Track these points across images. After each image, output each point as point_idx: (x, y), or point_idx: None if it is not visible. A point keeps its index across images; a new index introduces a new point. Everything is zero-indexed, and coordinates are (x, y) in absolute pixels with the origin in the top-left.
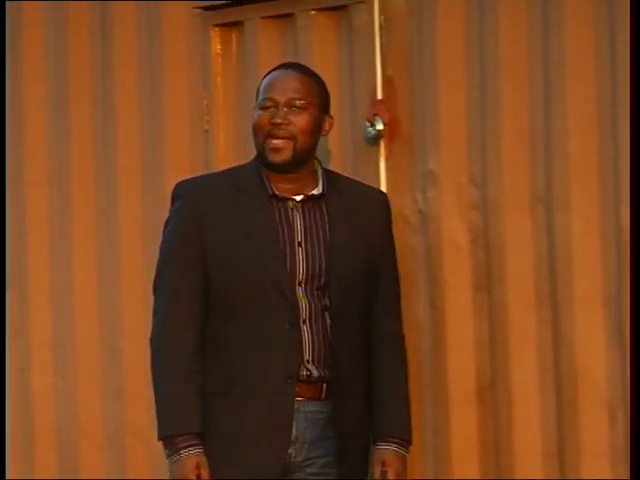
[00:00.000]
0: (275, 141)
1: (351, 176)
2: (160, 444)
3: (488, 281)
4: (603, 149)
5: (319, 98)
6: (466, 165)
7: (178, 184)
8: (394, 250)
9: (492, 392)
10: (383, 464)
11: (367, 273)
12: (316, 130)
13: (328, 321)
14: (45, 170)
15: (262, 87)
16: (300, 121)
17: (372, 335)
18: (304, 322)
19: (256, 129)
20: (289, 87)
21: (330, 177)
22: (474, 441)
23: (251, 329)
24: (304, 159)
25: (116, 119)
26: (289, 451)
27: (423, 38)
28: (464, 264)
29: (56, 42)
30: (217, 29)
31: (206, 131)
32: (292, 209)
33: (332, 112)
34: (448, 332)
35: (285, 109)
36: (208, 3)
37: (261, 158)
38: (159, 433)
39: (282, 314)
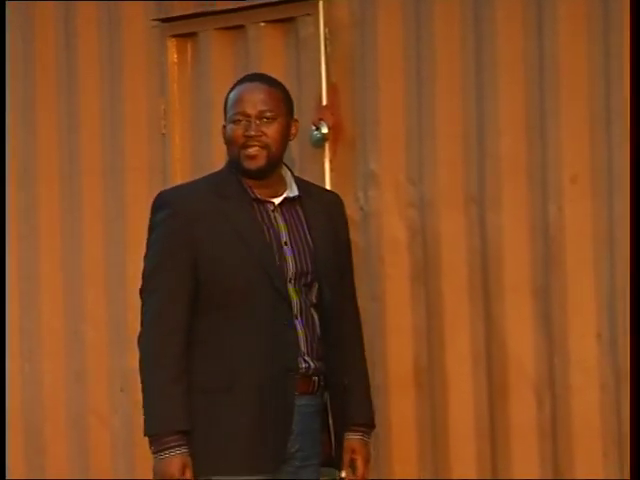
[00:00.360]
0: (250, 150)
1: (299, 176)
2: (120, 423)
3: (425, 274)
4: (532, 150)
5: (286, 106)
6: (404, 166)
7: (161, 194)
8: (350, 247)
9: (428, 376)
10: (353, 452)
11: (339, 268)
12: (286, 136)
13: (316, 316)
14: (14, 170)
15: (231, 101)
16: (272, 131)
17: (346, 317)
18: (296, 317)
19: (231, 141)
20: (258, 100)
21: (297, 180)
22: (411, 421)
23: (249, 326)
24: (276, 165)
25: (80, 123)
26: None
27: (364, 48)
28: (403, 258)
29: (24, 48)
30: (173, 40)
31: (163, 134)
32: (273, 211)
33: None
34: (388, 321)
35: (257, 121)
36: (165, 16)
37: (237, 166)
38: (147, 430)
39: (278, 311)
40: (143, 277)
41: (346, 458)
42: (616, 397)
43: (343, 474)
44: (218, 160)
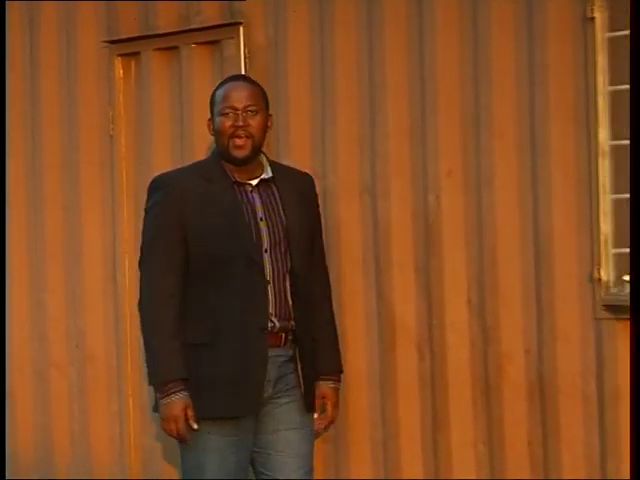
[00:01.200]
0: (238, 141)
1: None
2: (75, 374)
3: (328, 251)
4: (414, 150)
5: (264, 102)
6: (310, 163)
7: (156, 178)
8: (320, 219)
9: None
10: (324, 397)
11: (309, 239)
12: (265, 127)
13: (288, 281)
14: None
15: (219, 98)
16: (255, 122)
17: (313, 285)
18: (268, 283)
19: (220, 132)
20: (243, 96)
21: (272, 163)
22: None
23: (228, 291)
24: (258, 152)
25: (42, 125)
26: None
27: (277, 66)
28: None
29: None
30: (120, 58)
31: (111, 136)
32: (251, 192)
33: (204, 123)
34: None
35: (243, 114)
36: (113, 38)
37: (225, 154)
38: (151, 379)
39: (253, 278)
40: (141, 250)
41: (318, 402)
42: (483, 352)
43: (315, 416)
44: (156, 157)
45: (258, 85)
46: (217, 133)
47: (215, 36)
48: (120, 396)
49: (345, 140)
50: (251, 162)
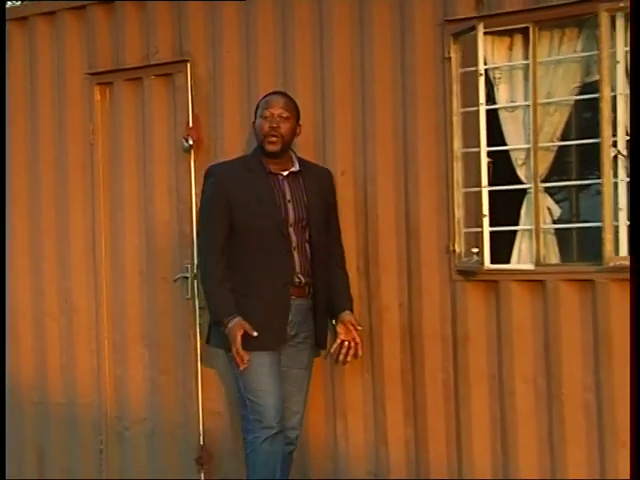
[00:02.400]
0: (271, 138)
1: (174, 171)
2: (65, 322)
3: None
4: (317, 153)
5: (296, 113)
6: None
7: (210, 167)
8: (337, 204)
9: None
10: (345, 321)
11: (326, 218)
12: (294, 132)
13: (308, 248)
14: None
15: (262, 105)
16: (286, 126)
17: (330, 253)
18: (294, 249)
19: (259, 130)
20: (279, 105)
21: (300, 159)
22: None
23: (262, 255)
24: (286, 149)
25: (40, 136)
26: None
27: (215, 92)
28: None
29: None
30: (98, 86)
31: (91, 144)
32: (282, 180)
33: (163, 134)
34: None
35: (277, 119)
36: (94, 71)
37: (261, 148)
38: (212, 317)
39: (281, 245)
40: (198, 222)
41: (341, 326)
42: (368, 305)
43: (338, 341)
44: (125, 161)
45: (292, 99)
46: (257, 131)
47: (169, 70)
48: (97, 338)
49: (236, 136)
50: (281, 156)
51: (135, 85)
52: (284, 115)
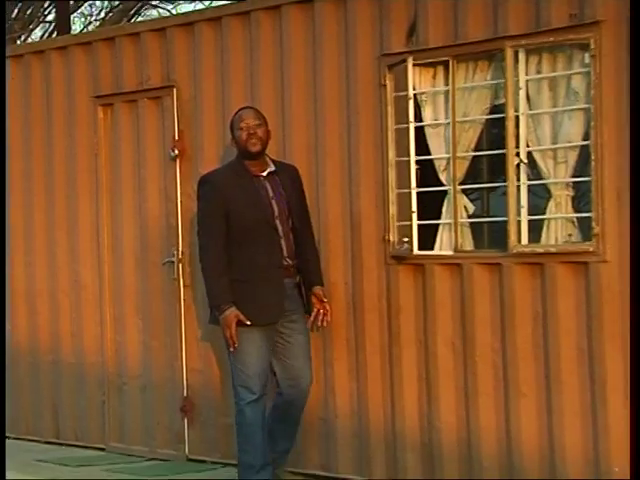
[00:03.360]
0: (252, 141)
1: (163, 175)
2: (74, 297)
3: None
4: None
5: (264, 120)
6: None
7: (203, 176)
8: (305, 199)
9: None
10: (317, 293)
11: (301, 209)
12: (268, 135)
13: (291, 236)
14: (18, 179)
15: (237, 120)
16: (261, 131)
17: (304, 237)
18: (281, 237)
19: (239, 140)
20: (252, 116)
21: (272, 160)
22: None
23: (256, 245)
24: (264, 151)
25: (54, 146)
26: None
27: (196, 112)
28: None
29: (25, 104)
30: (101, 107)
31: (95, 154)
32: (263, 180)
33: (154, 146)
34: None
35: (253, 126)
36: (98, 94)
37: (245, 153)
38: (211, 303)
39: (270, 235)
40: (198, 224)
41: (315, 297)
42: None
43: (315, 311)
44: (123, 167)
45: (259, 111)
46: (238, 142)
47: (158, 94)
48: (101, 310)
49: (213, 147)
50: (261, 157)
51: (131, 106)
52: (257, 122)
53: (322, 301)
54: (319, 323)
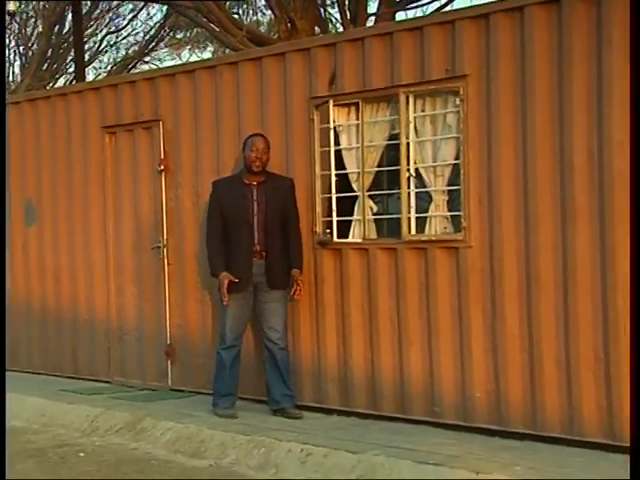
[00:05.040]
0: (256, 163)
1: (152, 184)
2: (86, 274)
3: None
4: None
5: (269, 146)
6: (190, 183)
7: (213, 181)
8: (295, 202)
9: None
10: (295, 275)
11: (283, 212)
12: (268, 159)
13: (264, 229)
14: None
15: (250, 142)
16: (265, 158)
17: (287, 232)
18: (255, 230)
19: (248, 159)
20: (260, 142)
21: (269, 173)
22: None
23: (237, 234)
24: (263, 170)
25: (73, 163)
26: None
27: (177, 138)
28: (191, 213)
29: (36, 137)
30: (107, 134)
31: (103, 168)
32: (253, 187)
33: (146, 163)
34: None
35: (260, 151)
36: (105, 125)
37: (248, 168)
38: (212, 272)
39: (247, 227)
40: (206, 219)
41: (294, 278)
42: None
43: (294, 287)
44: (123, 178)
45: (266, 138)
46: (246, 159)
47: (150, 125)
48: (107, 281)
49: (209, 170)
50: (260, 173)
51: (129, 134)
52: (264, 149)
53: (297, 281)
54: (295, 296)
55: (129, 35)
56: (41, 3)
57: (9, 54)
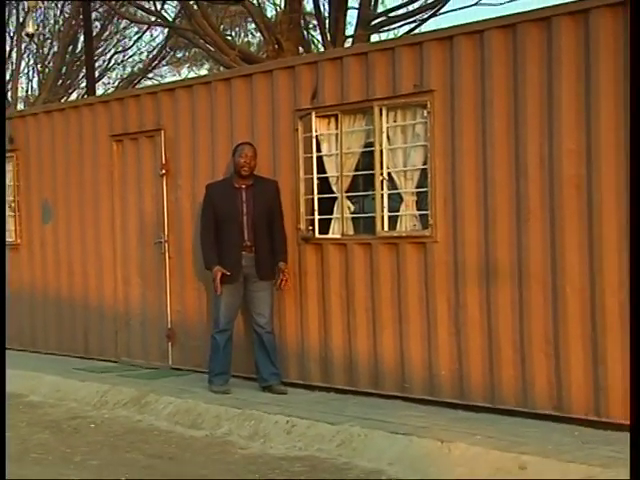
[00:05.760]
0: (244, 168)
1: (154, 186)
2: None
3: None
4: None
5: (256, 153)
6: (190, 184)
7: (206, 185)
8: (280, 202)
9: None
10: (281, 268)
11: (269, 211)
12: (255, 164)
13: (252, 227)
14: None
15: (239, 150)
16: (252, 163)
17: (272, 231)
18: (244, 228)
19: (237, 164)
20: (248, 150)
21: (256, 177)
22: None
23: (228, 231)
24: (250, 174)
25: (84, 167)
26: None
27: (177, 146)
28: (189, 214)
29: (64, 149)
30: (115, 142)
31: (111, 172)
32: (241, 190)
33: (149, 167)
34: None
35: (248, 158)
36: (112, 134)
37: (237, 173)
38: (206, 265)
39: (239, 227)
40: (200, 216)
41: (280, 270)
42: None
43: (280, 278)
44: (129, 181)
45: (253, 146)
46: (235, 165)
47: (153, 134)
48: (114, 272)
49: (204, 174)
50: (248, 177)
51: (135, 142)
52: (251, 156)
53: (283, 272)
54: (281, 286)
55: (134, 54)
56: (56, 26)
57: (28, 71)
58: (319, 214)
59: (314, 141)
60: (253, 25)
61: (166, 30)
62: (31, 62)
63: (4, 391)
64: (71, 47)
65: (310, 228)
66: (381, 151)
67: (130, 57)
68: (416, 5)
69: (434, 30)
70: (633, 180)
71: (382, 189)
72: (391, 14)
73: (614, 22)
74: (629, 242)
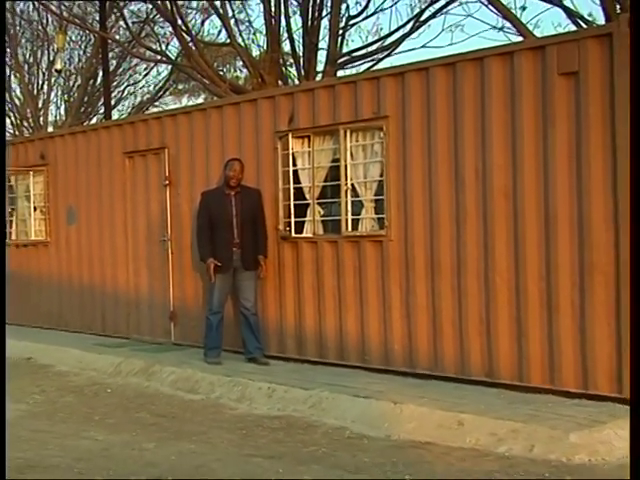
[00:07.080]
0: (233, 180)
1: (159, 194)
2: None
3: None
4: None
5: (243, 168)
6: (189, 193)
7: (202, 192)
8: (263, 207)
9: None
10: (261, 260)
11: (254, 214)
12: (242, 177)
13: (241, 228)
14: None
15: (229, 165)
16: (240, 176)
17: (256, 231)
18: (234, 228)
19: (227, 177)
20: (236, 165)
21: (243, 186)
22: None
23: (220, 230)
24: (238, 185)
25: (102, 178)
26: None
27: (178, 161)
28: (188, 217)
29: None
30: (127, 158)
31: (124, 182)
32: (231, 197)
33: (156, 179)
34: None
35: (237, 172)
36: (125, 151)
37: (227, 184)
38: (201, 258)
39: (230, 228)
40: (196, 219)
41: (260, 262)
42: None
43: (260, 269)
44: (138, 190)
45: (242, 162)
46: (225, 177)
47: (158, 152)
48: (127, 265)
49: (201, 180)
50: (236, 187)
51: (143, 158)
52: (239, 170)
53: (261, 264)
54: (261, 275)
55: (143, 86)
56: (80, 63)
57: (56, 100)
58: (295, 217)
59: (290, 157)
60: (241, 62)
61: (169, 67)
62: (59, 93)
63: (4, 391)
64: (92, 81)
65: (287, 229)
66: (346, 166)
67: (140, 89)
68: (375, 47)
69: (389, 67)
70: (633, 180)
71: (346, 197)
72: (354, 54)
73: (534, 62)
74: (577, 240)
